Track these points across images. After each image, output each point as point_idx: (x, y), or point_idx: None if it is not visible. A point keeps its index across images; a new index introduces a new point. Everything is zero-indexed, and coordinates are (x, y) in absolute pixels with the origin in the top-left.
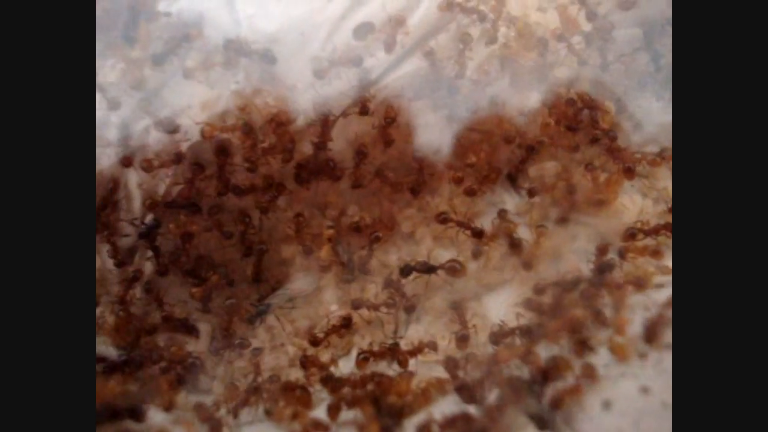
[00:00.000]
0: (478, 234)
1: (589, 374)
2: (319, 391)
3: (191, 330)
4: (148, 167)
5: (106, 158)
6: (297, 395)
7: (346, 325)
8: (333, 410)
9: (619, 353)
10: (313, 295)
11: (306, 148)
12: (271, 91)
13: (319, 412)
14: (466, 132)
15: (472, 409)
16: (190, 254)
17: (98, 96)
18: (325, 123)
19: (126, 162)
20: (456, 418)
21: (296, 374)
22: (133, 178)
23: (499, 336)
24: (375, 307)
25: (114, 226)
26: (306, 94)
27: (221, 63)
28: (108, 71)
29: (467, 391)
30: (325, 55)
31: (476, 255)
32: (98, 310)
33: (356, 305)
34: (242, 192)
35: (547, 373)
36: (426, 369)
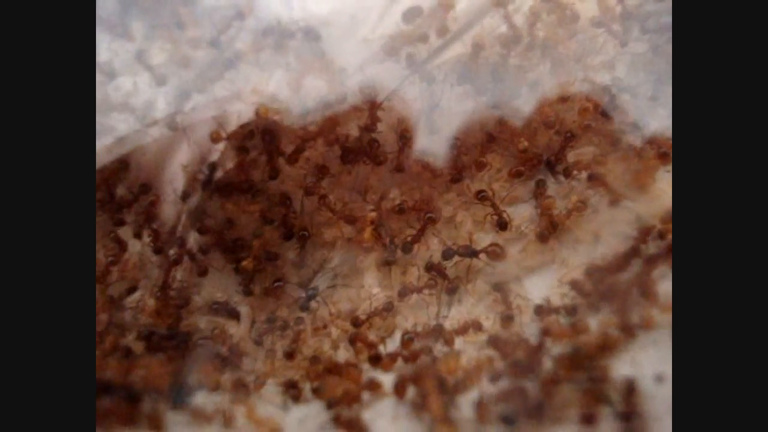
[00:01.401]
0: (503, 225)
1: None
2: (367, 371)
3: (232, 313)
4: (216, 138)
5: (150, 138)
6: (348, 372)
7: (387, 308)
8: (399, 387)
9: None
10: (354, 278)
11: (352, 131)
12: (320, 73)
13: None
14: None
15: (526, 384)
16: (230, 237)
17: (147, 75)
18: (372, 106)
19: (215, 137)
20: (511, 392)
21: (339, 356)
22: (176, 161)
23: (544, 313)
24: (418, 290)
25: (155, 211)
26: (354, 77)
27: (271, 46)
28: (157, 53)
29: (520, 367)
30: (375, 38)
31: (517, 239)
32: (138, 294)
33: (401, 292)
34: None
35: (596, 349)
36: (472, 349)
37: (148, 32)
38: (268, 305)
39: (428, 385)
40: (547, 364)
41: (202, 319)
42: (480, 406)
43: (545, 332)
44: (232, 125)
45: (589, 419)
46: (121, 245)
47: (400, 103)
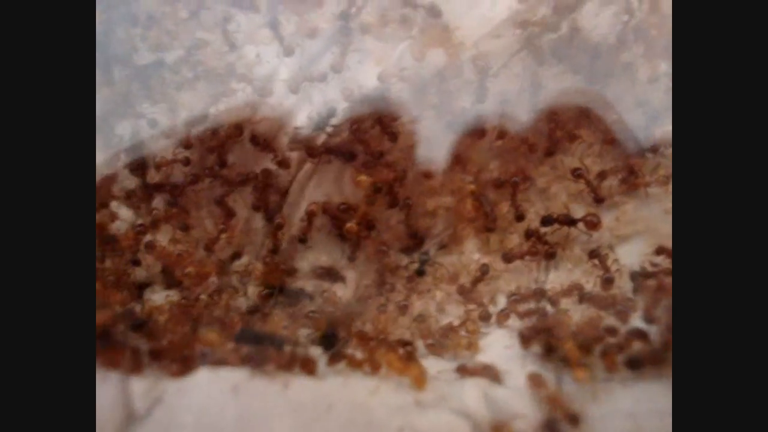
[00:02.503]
0: (599, 200)
1: None
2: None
3: (337, 278)
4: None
5: (269, 109)
6: (466, 328)
7: (485, 271)
8: (525, 340)
9: None
10: (455, 245)
11: (462, 103)
12: (439, 47)
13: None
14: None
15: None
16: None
17: (275, 45)
18: (483, 79)
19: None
20: (634, 334)
21: (445, 319)
22: (291, 128)
23: (643, 277)
24: (521, 256)
25: (267, 179)
26: (470, 51)
27: (397, 20)
28: (285, 24)
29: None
30: (491, 16)
31: (608, 208)
32: (245, 259)
33: (507, 257)
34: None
35: None
36: (577, 309)
37: (273, 4)
38: (373, 271)
39: (562, 332)
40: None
41: (309, 283)
42: (605, 354)
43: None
44: (354, 94)
45: None
46: (229, 212)
47: (506, 78)
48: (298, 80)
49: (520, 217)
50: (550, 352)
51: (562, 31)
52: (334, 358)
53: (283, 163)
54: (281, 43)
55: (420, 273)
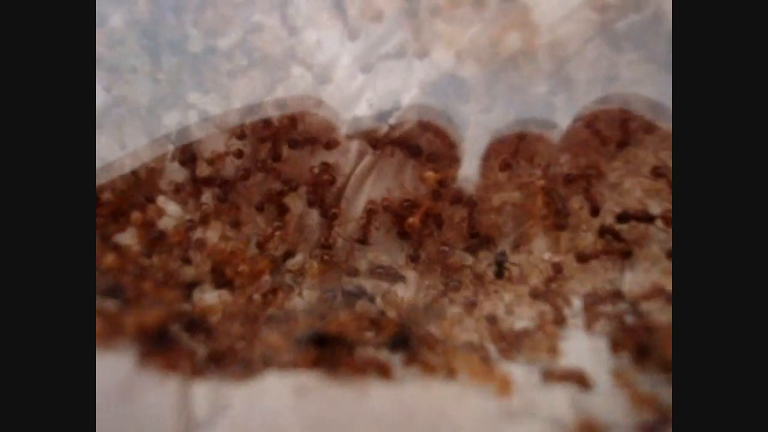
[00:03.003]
0: None
1: None
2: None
3: (397, 277)
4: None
5: (328, 97)
6: (543, 330)
7: (559, 271)
8: (615, 344)
9: None
10: (524, 243)
11: (535, 91)
12: (515, 30)
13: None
14: None
15: None
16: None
17: (338, 29)
18: (559, 67)
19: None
20: None
21: (516, 321)
22: (351, 120)
23: None
24: (595, 255)
25: (323, 174)
26: (547, 34)
27: (469, 2)
28: (349, 6)
29: None
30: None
31: None
32: (300, 257)
33: (581, 256)
34: None
35: None
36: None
37: None
38: (434, 271)
39: (655, 335)
40: None
41: (368, 282)
42: None
43: None
44: (421, 82)
45: None
46: (283, 208)
47: (578, 65)
48: (363, 66)
49: (595, 211)
50: (643, 355)
51: (645, 12)
52: (408, 361)
53: (341, 155)
54: (345, 26)
55: (498, 275)
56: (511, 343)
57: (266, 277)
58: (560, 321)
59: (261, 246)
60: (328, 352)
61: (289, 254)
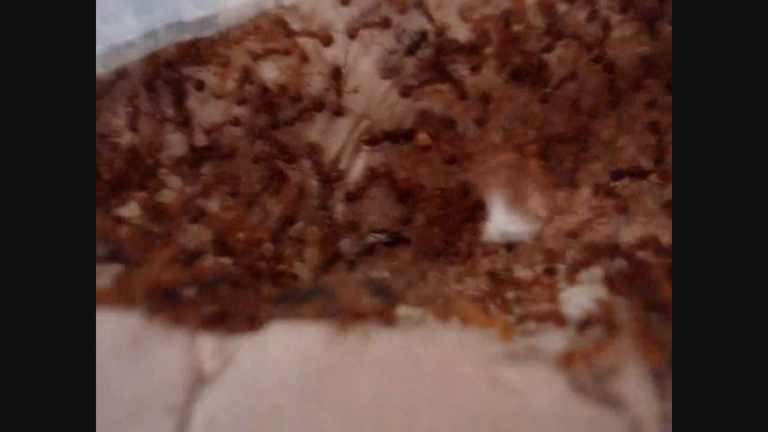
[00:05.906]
0: None
1: None
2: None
3: (397, 239)
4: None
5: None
6: (542, 282)
7: (555, 228)
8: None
9: None
10: (519, 202)
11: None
12: None
13: None
14: None
15: None
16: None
17: None
18: (550, 26)
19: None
20: None
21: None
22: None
23: None
24: (590, 211)
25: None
26: None
27: None
28: None
29: None
30: None
31: None
32: (300, 225)
33: (575, 213)
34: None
35: None
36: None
37: None
38: (432, 235)
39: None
40: None
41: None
42: None
43: None
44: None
45: None
46: (281, 176)
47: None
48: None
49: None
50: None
51: None
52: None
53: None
54: None
55: (509, 248)
56: (515, 294)
57: (267, 245)
58: (558, 273)
59: (259, 212)
60: (331, 301)
61: (289, 221)
